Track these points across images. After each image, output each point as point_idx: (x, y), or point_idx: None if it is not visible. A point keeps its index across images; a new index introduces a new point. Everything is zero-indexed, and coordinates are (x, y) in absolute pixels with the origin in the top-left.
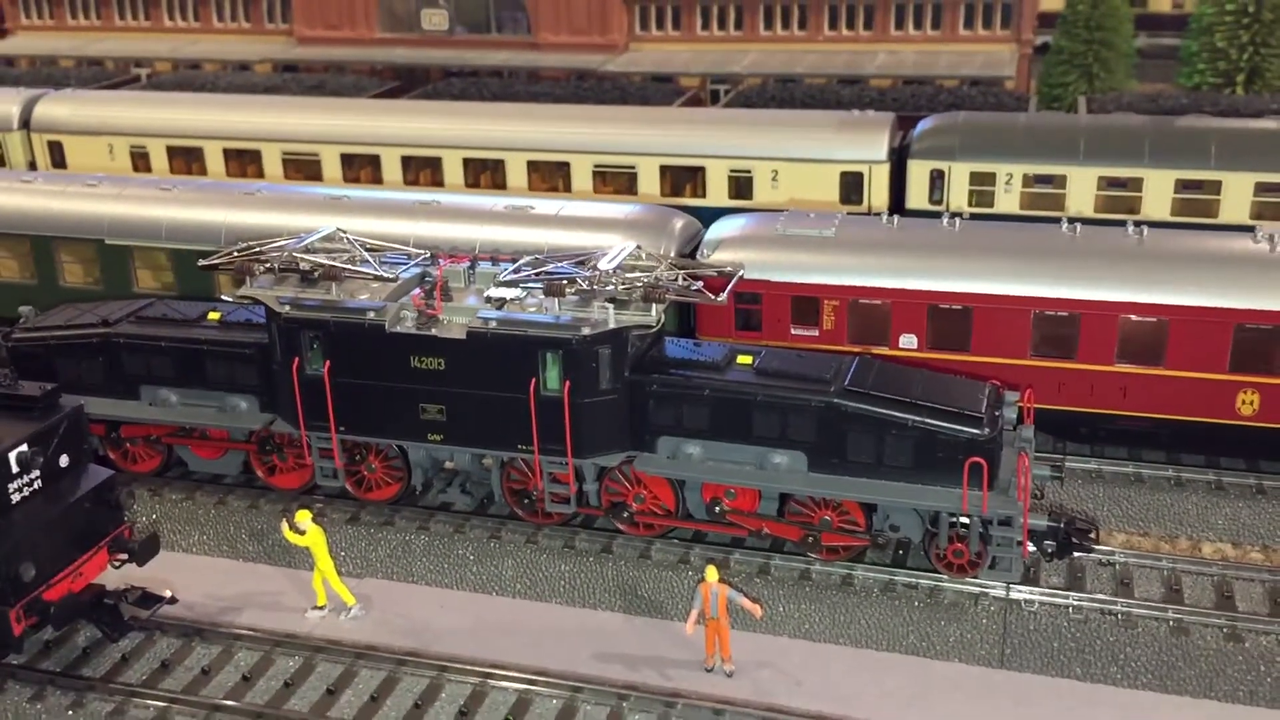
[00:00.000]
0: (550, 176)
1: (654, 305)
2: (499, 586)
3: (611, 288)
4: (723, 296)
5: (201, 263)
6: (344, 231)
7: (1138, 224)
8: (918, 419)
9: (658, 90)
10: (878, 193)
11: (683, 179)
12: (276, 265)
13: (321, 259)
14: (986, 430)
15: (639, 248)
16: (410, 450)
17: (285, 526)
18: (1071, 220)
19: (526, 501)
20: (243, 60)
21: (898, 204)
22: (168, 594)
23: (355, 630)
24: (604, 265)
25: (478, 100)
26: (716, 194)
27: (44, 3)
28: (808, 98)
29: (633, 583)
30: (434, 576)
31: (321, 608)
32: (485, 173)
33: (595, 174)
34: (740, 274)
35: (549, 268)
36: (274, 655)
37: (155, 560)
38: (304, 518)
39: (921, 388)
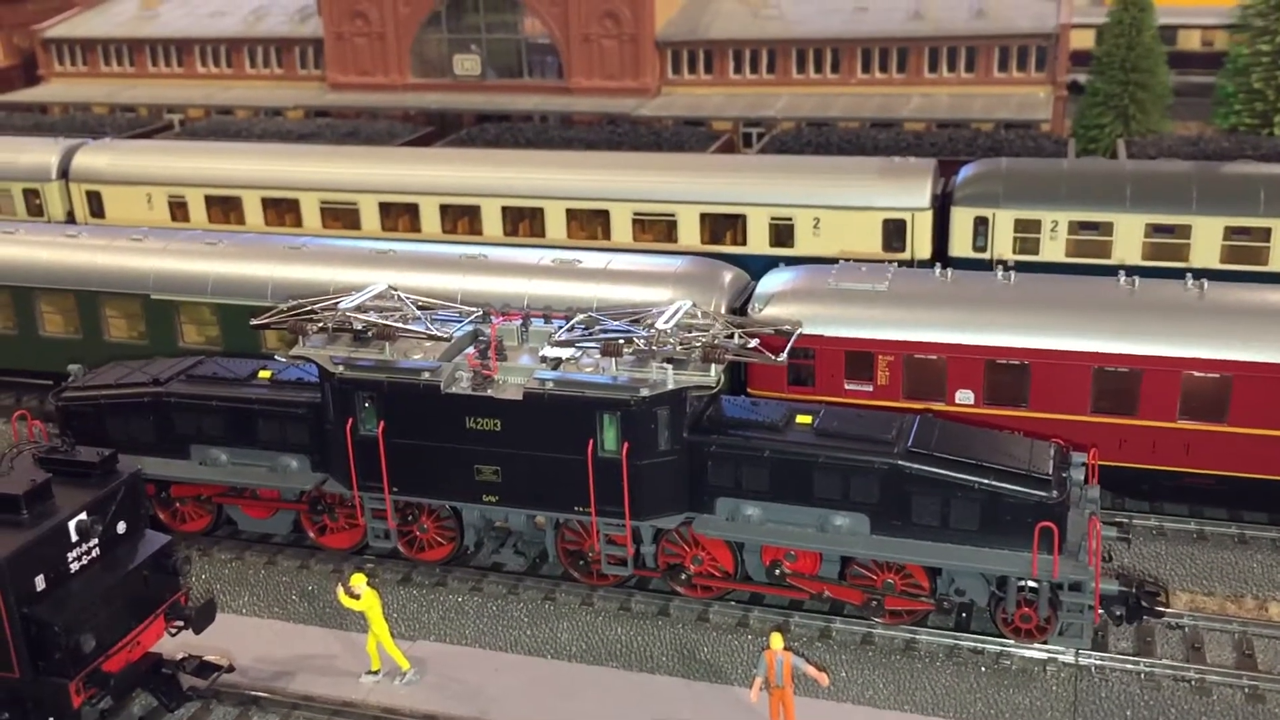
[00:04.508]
0: (589, 224)
1: (713, 366)
2: (554, 649)
3: (669, 348)
4: (782, 356)
5: (253, 322)
6: (395, 289)
7: (1197, 276)
8: (984, 481)
9: (691, 134)
10: (920, 240)
11: (723, 227)
12: (329, 324)
13: (374, 318)
14: (1055, 493)
15: (694, 305)
16: (464, 511)
17: (341, 591)
18: (1128, 271)
19: (581, 563)
20: (275, 106)
21: (940, 251)
22: (225, 663)
23: (411, 696)
24: (661, 324)
25: (512, 145)
26: (757, 242)
27: (77, 50)
28: (843, 142)
29: (691, 646)
30: (488, 639)
31: (376, 672)
32: (524, 221)
33: (635, 222)
34: (799, 332)
35: (604, 326)
36: None
37: (209, 625)
38: (359, 581)
39: (986, 448)
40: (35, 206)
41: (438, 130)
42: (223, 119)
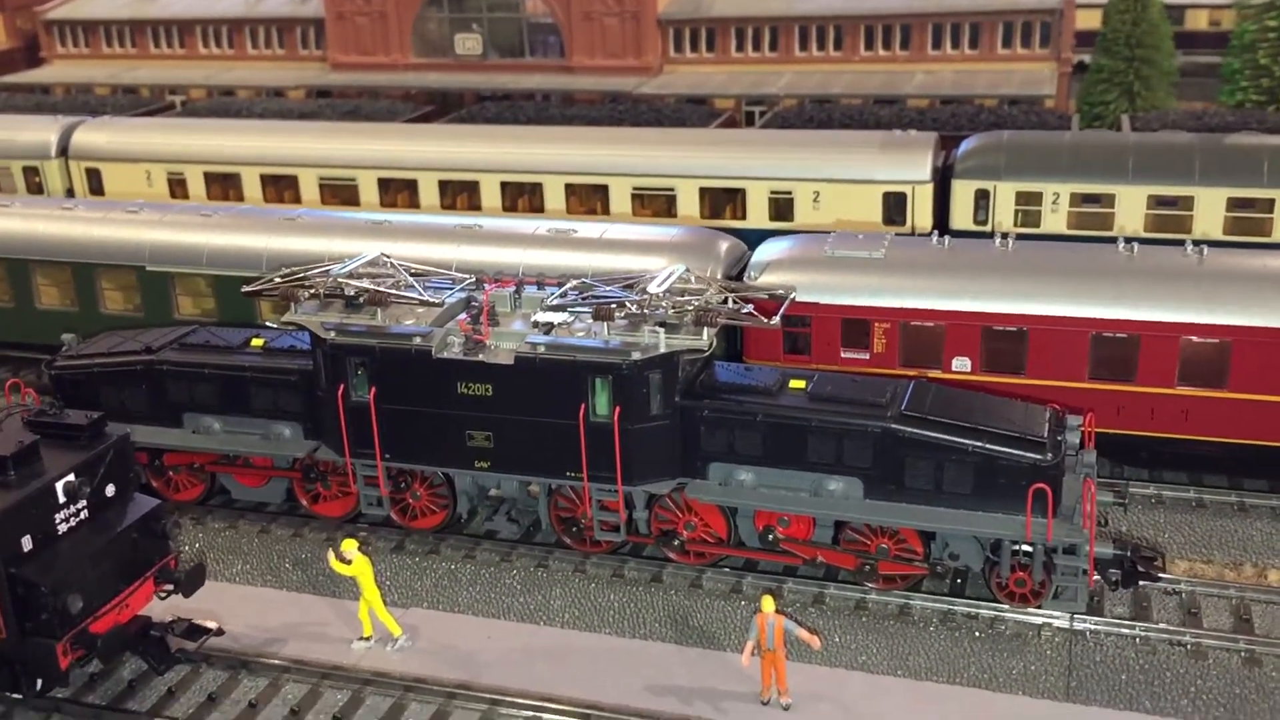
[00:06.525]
0: (588, 199)
1: (705, 329)
2: (547, 616)
3: (662, 311)
4: (775, 320)
5: (246, 289)
6: (388, 256)
7: (1197, 243)
8: (978, 444)
9: (693, 112)
10: (921, 213)
11: (722, 201)
12: (321, 291)
13: (366, 284)
14: (1050, 455)
15: (688, 270)
16: (456, 478)
17: (332, 557)
18: (1128, 240)
19: (574, 529)
20: (277, 86)
21: (941, 224)
22: (214, 625)
23: (403, 661)
24: (654, 288)
25: (512, 123)
26: (757, 216)
27: (80, 31)
28: (846, 118)
29: (684, 612)
30: (480, 606)
31: (368, 638)
32: (523, 196)
33: (634, 196)
34: (792, 296)
35: (597, 291)
36: (322, 688)
37: (198, 589)
38: (350, 547)
39: (981, 412)
40: (35, 184)
41: (439, 110)
42: (224, 99)
